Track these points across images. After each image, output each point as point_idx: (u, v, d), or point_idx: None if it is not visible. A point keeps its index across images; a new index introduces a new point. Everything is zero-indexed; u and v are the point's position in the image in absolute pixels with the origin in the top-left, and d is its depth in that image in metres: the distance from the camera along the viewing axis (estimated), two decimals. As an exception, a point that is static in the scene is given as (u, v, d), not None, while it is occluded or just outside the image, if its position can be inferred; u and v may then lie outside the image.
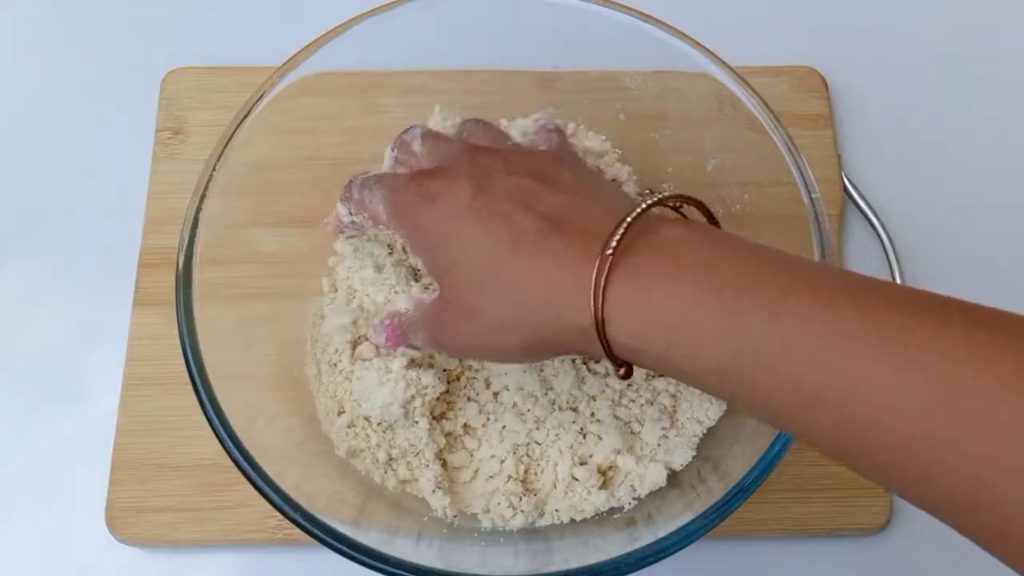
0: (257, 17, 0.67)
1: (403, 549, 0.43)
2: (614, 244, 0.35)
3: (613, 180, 0.56)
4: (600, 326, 0.35)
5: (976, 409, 0.28)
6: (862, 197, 0.61)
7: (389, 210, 0.44)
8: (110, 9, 0.67)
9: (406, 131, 0.48)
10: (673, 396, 0.50)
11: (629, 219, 0.36)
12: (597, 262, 0.35)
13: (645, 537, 0.42)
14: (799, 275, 0.33)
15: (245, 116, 0.49)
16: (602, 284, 0.35)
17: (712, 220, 0.42)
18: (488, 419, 0.49)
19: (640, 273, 0.35)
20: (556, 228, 0.38)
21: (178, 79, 0.62)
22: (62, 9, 0.67)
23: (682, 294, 0.34)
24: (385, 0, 0.51)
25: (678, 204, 0.41)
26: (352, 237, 0.51)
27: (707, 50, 0.50)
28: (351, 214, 0.47)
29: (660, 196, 0.38)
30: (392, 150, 0.48)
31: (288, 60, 0.50)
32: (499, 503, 0.48)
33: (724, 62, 0.50)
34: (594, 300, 0.35)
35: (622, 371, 0.37)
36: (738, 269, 0.34)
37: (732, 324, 0.33)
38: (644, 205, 0.37)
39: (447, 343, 0.43)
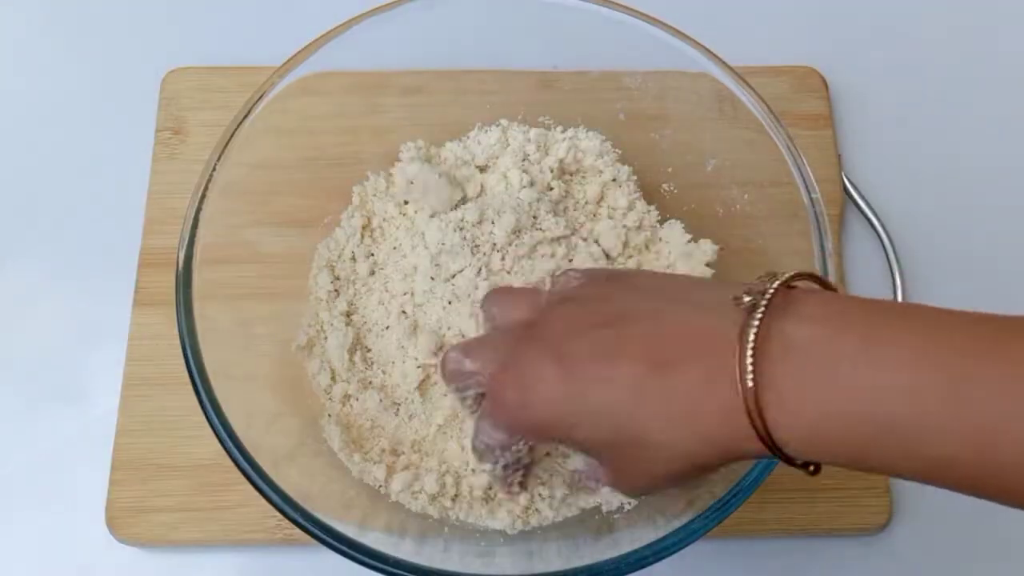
0: (257, 17, 0.67)
1: (403, 549, 0.42)
2: (750, 376, 0.32)
3: (613, 180, 0.56)
4: (772, 446, 0.33)
5: None
6: (862, 197, 0.61)
7: (506, 427, 0.42)
8: (110, 9, 0.67)
9: (444, 361, 0.45)
10: None
11: (751, 342, 0.32)
12: (742, 398, 0.32)
13: (645, 537, 0.42)
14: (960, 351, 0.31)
15: (245, 116, 0.49)
16: (757, 414, 0.32)
17: (825, 285, 0.38)
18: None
19: (786, 393, 0.32)
20: (665, 367, 0.35)
21: (178, 79, 0.62)
22: (62, 9, 0.67)
23: (842, 402, 0.31)
24: (385, 0, 0.51)
25: (789, 284, 0.36)
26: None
27: (707, 50, 0.50)
28: (478, 449, 0.44)
29: (767, 297, 0.33)
30: (452, 389, 0.46)
31: (288, 60, 0.50)
32: (499, 503, 0.48)
33: (724, 62, 0.50)
34: (758, 435, 0.32)
35: (811, 469, 0.34)
36: (876, 355, 0.31)
37: (903, 429, 0.30)
38: (758, 317, 0.33)
39: (626, 488, 0.43)
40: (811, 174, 0.48)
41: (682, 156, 0.55)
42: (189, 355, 0.44)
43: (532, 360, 0.39)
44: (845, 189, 0.61)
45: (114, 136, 0.62)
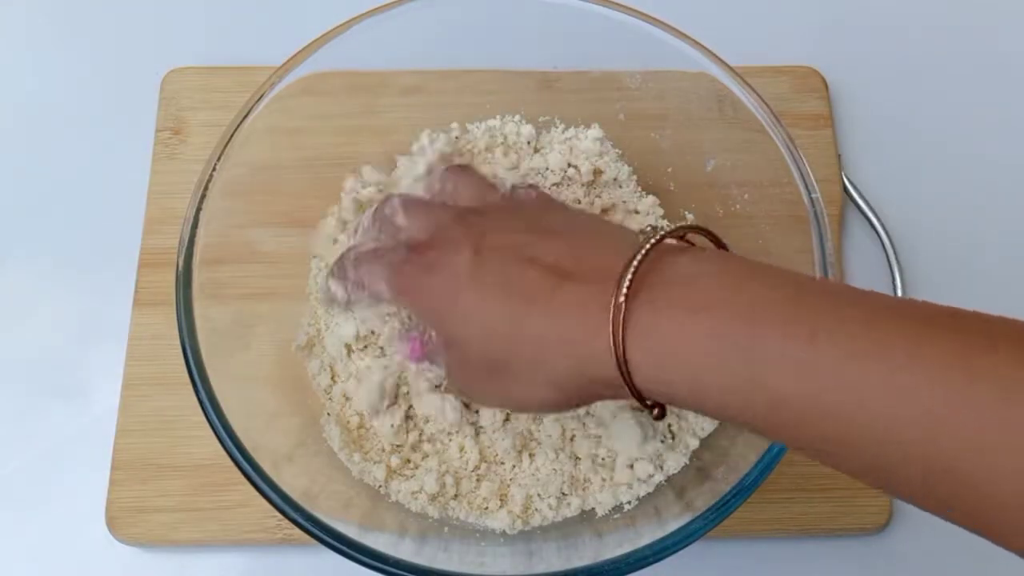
0: (257, 17, 0.67)
1: (403, 549, 0.43)
2: (625, 290, 0.34)
3: (614, 179, 0.56)
4: (626, 374, 0.35)
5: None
6: (862, 197, 0.61)
7: (393, 288, 0.43)
8: (110, 9, 0.67)
9: (383, 203, 0.46)
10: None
11: (636, 261, 0.35)
12: (611, 311, 0.34)
13: (645, 537, 0.42)
14: (817, 302, 0.32)
15: (245, 116, 0.49)
16: (620, 333, 0.34)
17: (719, 244, 0.40)
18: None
19: (656, 318, 0.34)
20: (565, 278, 0.37)
21: (178, 79, 0.62)
22: (62, 9, 0.67)
23: (700, 335, 0.33)
24: (385, 0, 0.51)
25: (682, 235, 0.39)
26: (346, 310, 0.49)
27: (707, 50, 0.50)
28: (347, 291, 0.45)
29: (662, 232, 0.36)
30: (371, 225, 0.46)
31: (288, 60, 0.50)
32: (499, 503, 0.48)
33: (724, 62, 0.50)
34: (615, 351, 0.34)
35: (655, 412, 0.37)
36: (750, 300, 0.33)
37: (747, 358, 0.32)
38: (649, 244, 0.35)
39: (472, 396, 0.43)
40: (811, 174, 0.48)
41: (682, 156, 0.55)
42: (189, 355, 0.44)
43: (455, 241, 0.41)
44: (845, 189, 0.61)
45: (114, 136, 0.62)
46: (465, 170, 0.48)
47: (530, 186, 0.49)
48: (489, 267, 0.39)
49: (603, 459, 0.49)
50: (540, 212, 0.43)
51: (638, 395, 0.35)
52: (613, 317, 0.34)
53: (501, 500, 0.49)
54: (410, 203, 0.45)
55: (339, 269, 0.45)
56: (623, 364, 0.34)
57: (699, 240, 0.40)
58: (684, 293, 0.34)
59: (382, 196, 0.48)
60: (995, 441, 0.28)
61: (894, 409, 0.29)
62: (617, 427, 0.49)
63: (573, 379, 0.37)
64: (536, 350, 0.37)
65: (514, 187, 0.48)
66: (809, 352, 0.31)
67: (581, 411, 0.49)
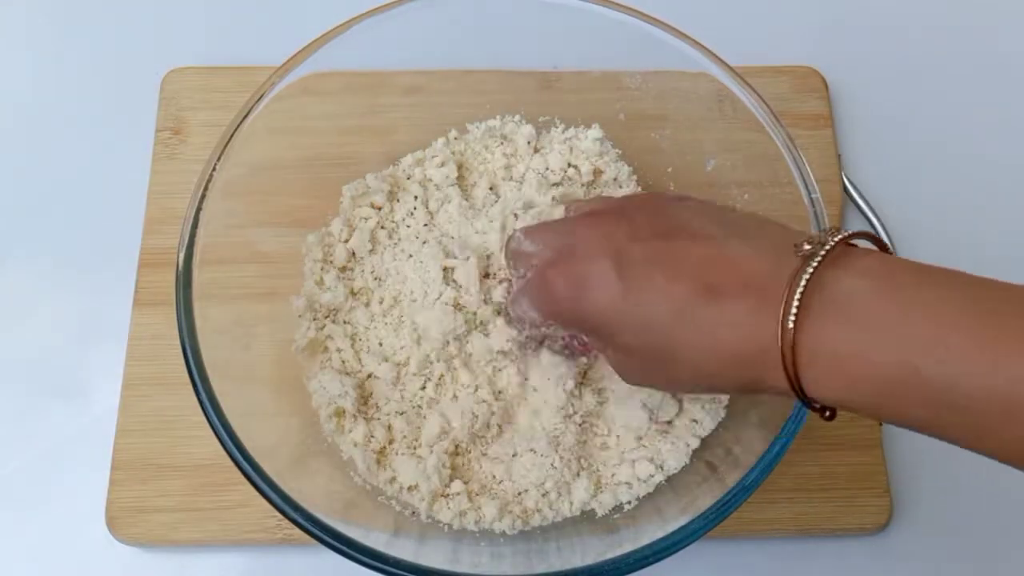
0: (257, 17, 0.67)
1: (403, 549, 0.43)
2: (793, 315, 0.34)
3: (614, 179, 0.56)
4: (799, 391, 0.35)
5: None
6: (862, 197, 0.61)
7: (544, 313, 0.43)
8: (110, 9, 0.67)
9: (508, 243, 0.47)
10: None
11: (802, 286, 0.34)
12: (779, 338, 0.34)
13: (645, 537, 0.42)
14: (995, 306, 0.33)
15: (245, 116, 0.49)
16: (791, 358, 0.34)
17: (882, 247, 0.38)
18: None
19: (825, 343, 0.34)
20: (713, 292, 0.36)
21: (178, 79, 0.62)
22: (62, 9, 0.67)
23: (879, 362, 0.33)
24: (385, 0, 0.51)
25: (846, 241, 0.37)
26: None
27: (707, 50, 0.50)
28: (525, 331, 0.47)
29: (824, 249, 0.35)
30: (511, 266, 0.47)
31: (288, 60, 0.50)
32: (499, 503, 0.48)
33: (724, 62, 0.50)
34: (787, 375, 0.34)
35: (827, 414, 0.36)
36: (923, 320, 0.33)
37: (935, 387, 0.32)
38: (812, 267, 0.34)
39: (645, 385, 0.44)
40: (811, 174, 0.48)
41: (682, 156, 0.55)
42: (189, 355, 0.44)
43: (590, 252, 0.40)
44: (845, 189, 0.61)
45: (114, 136, 0.62)
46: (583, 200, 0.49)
47: (634, 193, 0.49)
48: (636, 283, 0.38)
49: (604, 460, 0.49)
50: (662, 211, 0.41)
51: (808, 402, 0.36)
52: (783, 344, 0.34)
53: (501, 500, 0.49)
54: (531, 229, 0.46)
55: (506, 315, 0.48)
56: (798, 386, 0.35)
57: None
58: (853, 315, 0.34)
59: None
60: None
61: None
62: (623, 411, 0.49)
63: (744, 387, 0.37)
64: (700, 364, 0.37)
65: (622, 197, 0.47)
66: (997, 357, 0.31)
67: (584, 410, 0.49)
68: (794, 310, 0.34)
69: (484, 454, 0.49)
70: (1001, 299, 0.33)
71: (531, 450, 0.49)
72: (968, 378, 0.31)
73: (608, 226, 0.41)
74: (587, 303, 0.40)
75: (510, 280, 0.49)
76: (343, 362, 0.51)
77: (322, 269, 0.53)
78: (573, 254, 0.41)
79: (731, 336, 0.36)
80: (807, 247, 0.35)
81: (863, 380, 0.34)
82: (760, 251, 0.37)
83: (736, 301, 0.36)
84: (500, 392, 0.49)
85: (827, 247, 0.35)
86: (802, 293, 0.34)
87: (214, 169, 0.47)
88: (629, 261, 0.39)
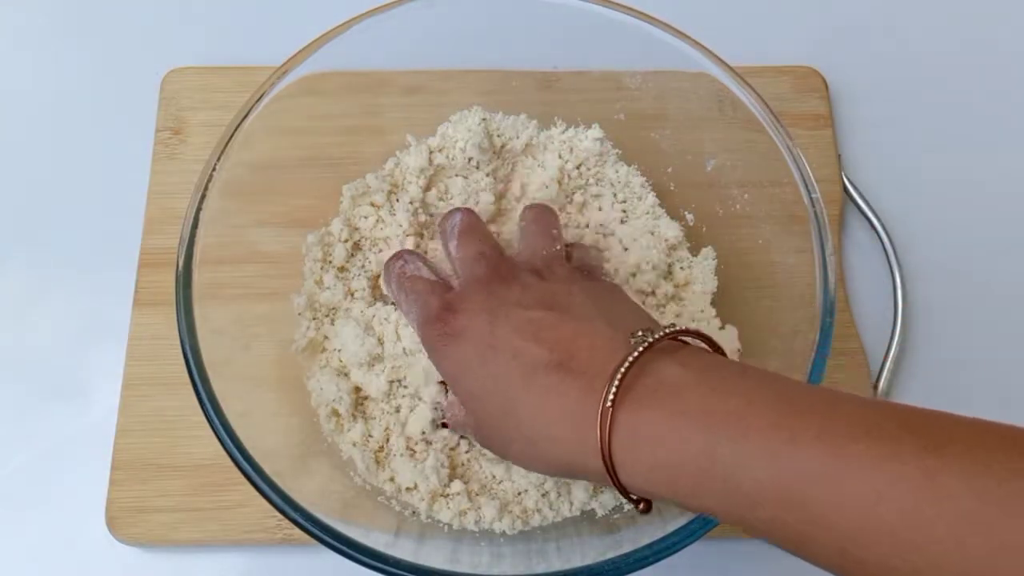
0: (257, 17, 0.67)
1: (403, 549, 0.43)
2: (612, 396, 0.36)
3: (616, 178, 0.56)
4: (612, 473, 0.36)
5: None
6: (862, 197, 0.61)
7: (420, 334, 0.47)
8: (110, 9, 0.67)
9: (451, 214, 0.50)
10: None
11: (624, 368, 0.36)
12: (599, 417, 0.36)
13: (645, 537, 0.42)
14: (798, 413, 0.33)
15: (245, 116, 0.49)
16: (607, 438, 0.36)
17: (714, 347, 0.41)
18: None
19: (639, 426, 0.36)
20: (561, 365, 0.39)
21: (178, 79, 0.62)
22: (62, 9, 0.67)
23: (680, 446, 0.35)
24: (385, 0, 0.51)
25: (676, 336, 0.39)
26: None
27: (707, 50, 0.50)
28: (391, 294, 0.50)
29: (652, 338, 0.37)
30: (437, 230, 0.50)
31: (288, 60, 0.50)
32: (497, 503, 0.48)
33: (724, 62, 0.50)
34: (602, 454, 0.36)
35: (640, 507, 0.38)
36: (733, 412, 0.34)
37: (730, 474, 0.33)
38: (636, 352, 0.37)
39: (492, 450, 0.45)
40: (811, 174, 0.48)
41: (682, 156, 0.55)
42: (189, 355, 0.44)
43: (477, 309, 0.44)
44: (845, 189, 0.61)
45: (114, 136, 0.62)
46: (541, 214, 0.51)
47: (578, 245, 0.52)
48: (500, 339, 0.41)
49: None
50: (565, 289, 0.44)
51: (623, 490, 0.37)
52: (600, 423, 0.36)
53: (501, 500, 0.49)
54: (466, 233, 0.49)
55: (385, 273, 0.51)
56: (609, 464, 0.36)
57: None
58: (667, 400, 0.36)
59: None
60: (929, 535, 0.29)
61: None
62: None
63: (564, 462, 0.39)
64: (533, 427, 0.39)
65: (567, 244, 0.51)
66: (788, 452, 0.32)
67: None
68: (613, 391, 0.36)
69: (483, 454, 0.50)
70: (808, 400, 0.34)
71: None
72: (756, 462, 0.32)
73: (500, 287, 0.45)
74: (456, 353, 0.43)
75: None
76: (341, 362, 0.51)
77: (322, 269, 0.53)
78: (460, 300, 0.45)
79: (560, 408, 0.38)
80: (640, 335, 0.38)
81: (662, 466, 0.35)
82: (612, 340, 0.39)
83: (576, 377, 0.38)
84: None
85: (656, 335, 0.37)
86: (622, 375, 0.36)
87: (214, 169, 0.47)
88: (503, 319, 0.42)
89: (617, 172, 0.56)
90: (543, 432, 0.39)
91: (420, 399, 0.49)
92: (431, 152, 0.54)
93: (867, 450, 0.31)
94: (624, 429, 0.36)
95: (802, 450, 0.32)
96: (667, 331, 0.38)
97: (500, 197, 0.55)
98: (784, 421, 0.33)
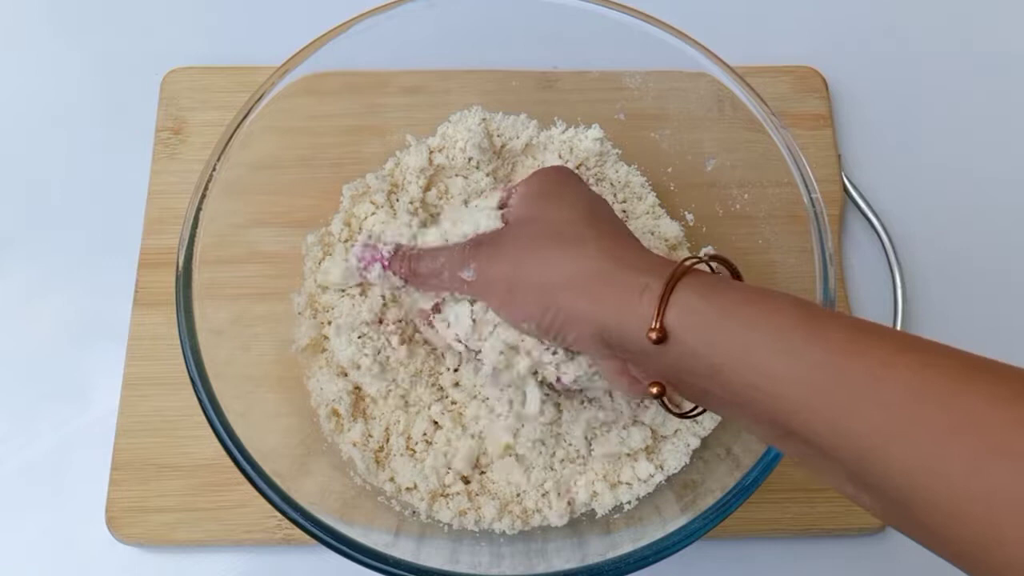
0: (257, 17, 0.67)
1: (403, 549, 0.43)
2: (668, 288, 0.38)
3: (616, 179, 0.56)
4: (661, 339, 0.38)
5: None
6: (862, 197, 0.61)
7: (468, 258, 0.46)
8: (110, 9, 0.67)
9: (403, 253, 0.49)
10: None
11: (679, 269, 0.39)
12: (657, 301, 0.38)
13: (645, 537, 0.42)
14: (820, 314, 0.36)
15: (245, 116, 0.49)
16: (660, 317, 0.38)
17: (735, 275, 0.43)
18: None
19: (688, 310, 0.38)
20: (618, 260, 0.41)
21: (178, 79, 0.62)
22: (62, 9, 0.67)
23: (724, 327, 0.37)
24: (385, 0, 0.51)
25: (707, 260, 0.43)
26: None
27: (707, 50, 0.50)
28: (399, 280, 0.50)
29: (697, 257, 0.40)
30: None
31: (288, 60, 0.50)
32: (498, 503, 0.48)
33: (724, 62, 0.50)
34: (656, 326, 0.38)
35: (655, 389, 0.40)
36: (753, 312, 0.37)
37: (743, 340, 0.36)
38: (688, 262, 0.39)
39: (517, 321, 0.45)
40: (811, 174, 0.48)
41: (682, 156, 0.55)
42: (189, 355, 0.44)
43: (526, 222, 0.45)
44: (845, 189, 0.61)
45: (114, 136, 0.62)
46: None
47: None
48: (557, 221, 0.44)
49: (605, 458, 0.49)
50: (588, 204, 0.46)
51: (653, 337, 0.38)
52: (659, 304, 0.38)
53: (501, 500, 0.49)
54: (425, 252, 0.48)
55: (399, 265, 0.50)
56: (662, 334, 0.38)
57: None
58: (706, 301, 0.38)
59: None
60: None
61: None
62: (628, 433, 0.49)
63: (608, 323, 0.40)
64: (593, 287, 0.41)
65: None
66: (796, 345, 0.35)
67: (592, 412, 0.49)
68: (670, 285, 0.39)
69: (483, 453, 0.50)
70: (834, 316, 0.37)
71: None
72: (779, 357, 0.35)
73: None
74: (507, 227, 0.45)
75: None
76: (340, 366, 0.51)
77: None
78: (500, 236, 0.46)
79: (619, 296, 0.40)
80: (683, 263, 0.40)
81: (703, 324, 0.38)
82: (641, 257, 0.42)
83: (633, 274, 0.40)
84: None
85: (695, 257, 0.40)
86: (674, 278, 0.39)
87: (214, 169, 0.47)
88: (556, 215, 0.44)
89: (617, 172, 0.56)
90: (587, 319, 0.41)
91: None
92: (431, 152, 0.54)
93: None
94: (673, 314, 0.38)
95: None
96: (702, 256, 0.41)
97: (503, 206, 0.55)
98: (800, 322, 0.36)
